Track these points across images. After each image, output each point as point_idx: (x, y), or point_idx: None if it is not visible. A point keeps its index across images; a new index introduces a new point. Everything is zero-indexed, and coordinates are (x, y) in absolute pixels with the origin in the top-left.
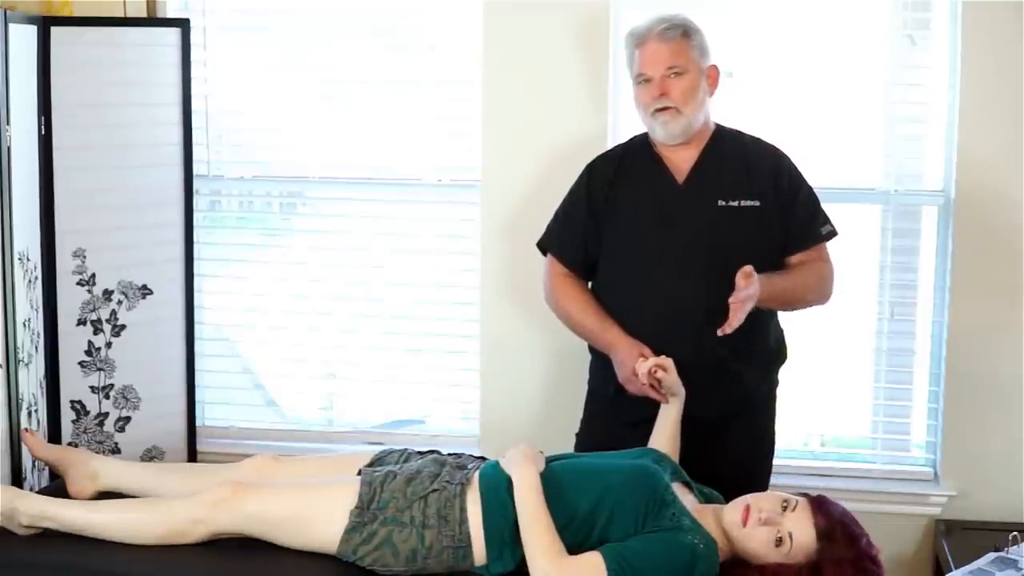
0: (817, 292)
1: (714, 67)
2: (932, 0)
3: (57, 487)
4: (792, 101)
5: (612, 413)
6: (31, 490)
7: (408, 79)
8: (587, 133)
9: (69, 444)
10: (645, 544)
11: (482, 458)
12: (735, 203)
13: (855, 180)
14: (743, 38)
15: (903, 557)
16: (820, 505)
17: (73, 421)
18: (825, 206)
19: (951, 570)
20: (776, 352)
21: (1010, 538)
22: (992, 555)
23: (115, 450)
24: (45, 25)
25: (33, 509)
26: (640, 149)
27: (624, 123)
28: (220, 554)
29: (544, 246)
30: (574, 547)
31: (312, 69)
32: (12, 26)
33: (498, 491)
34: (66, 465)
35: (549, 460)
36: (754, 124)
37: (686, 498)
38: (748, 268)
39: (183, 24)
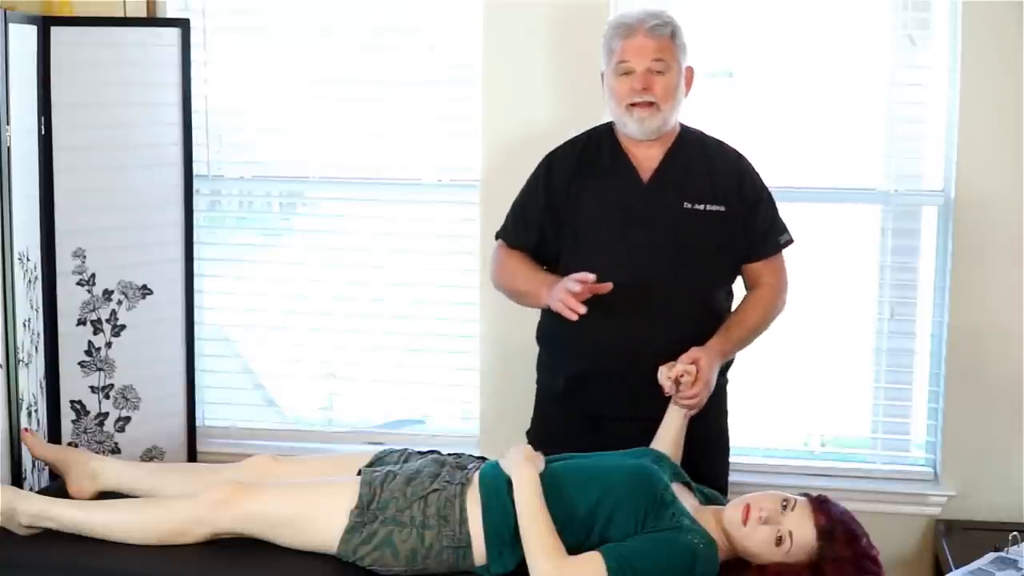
0: (768, 321)
1: (690, 68)
2: (932, 0)
3: (57, 487)
4: (792, 101)
5: (562, 409)
6: (31, 490)
7: (408, 79)
8: None
9: (69, 444)
10: (645, 544)
11: (482, 458)
12: (700, 207)
13: (855, 180)
14: (743, 38)
15: (903, 557)
16: (820, 504)
17: (73, 421)
18: (825, 206)
19: (951, 570)
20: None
21: (1010, 538)
22: (992, 555)
23: (115, 450)
24: (45, 25)
25: (33, 509)
26: (603, 142)
27: None
28: (220, 554)
29: (499, 236)
30: (574, 547)
31: (312, 69)
32: (12, 26)
33: (498, 491)
34: (66, 465)
35: (549, 460)
36: (754, 124)
37: (686, 498)
38: (691, 368)
39: (183, 24)
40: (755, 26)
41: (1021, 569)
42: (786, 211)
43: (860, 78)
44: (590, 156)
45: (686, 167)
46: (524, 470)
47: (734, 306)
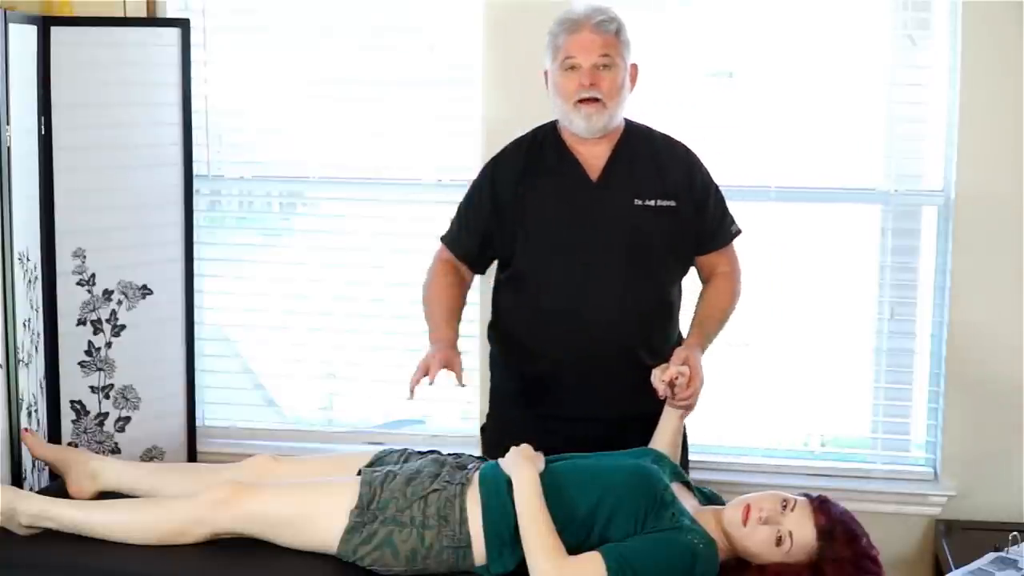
0: (732, 310)
1: (635, 65)
2: (932, 0)
3: (57, 487)
4: (792, 101)
5: (520, 409)
6: (31, 490)
7: (408, 79)
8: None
9: (69, 444)
10: (645, 544)
11: (482, 458)
12: (651, 202)
13: (855, 180)
14: (743, 38)
15: (903, 557)
16: (820, 505)
17: (73, 421)
18: (825, 206)
19: (951, 570)
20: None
21: (1010, 538)
22: (992, 555)
23: (115, 450)
24: (45, 25)
25: (33, 509)
26: (548, 142)
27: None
28: (220, 554)
29: (443, 239)
30: (574, 547)
31: (312, 69)
32: (12, 26)
33: (498, 491)
34: (66, 465)
35: (549, 460)
36: (754, 124)
37: (686, 498)
38: (684, 369)
39: (183, 24)
40: (755, 26)
41: (1021, 569)
42: (786, 211)
43: (860, 78)
44: (536, 157)
45: (634, 163)
46: (524, 470)
47: (685, 299)
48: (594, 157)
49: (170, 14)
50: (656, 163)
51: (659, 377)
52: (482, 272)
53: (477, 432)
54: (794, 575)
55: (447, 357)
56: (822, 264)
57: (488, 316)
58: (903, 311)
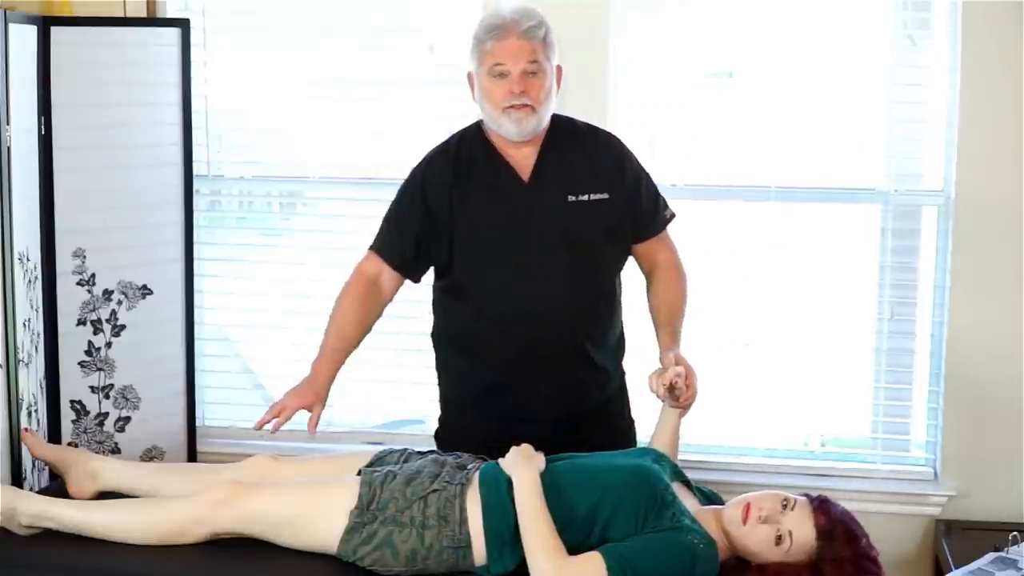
0: (687, 297)
1: (559, 67)
2: (932, 0)
3: (57, 487)
4: (792, 101)
5: (476, 413)
6: (31, 490)
7: (408, 79)
8: None
9: (69, 444)
10: (645, 544)
11: (482, 458)
12: (585, 197)
13: (855, 180)
14: (743, 38)
15: (903, 557)
16: (820, 504)
17: (73, 421)
18: (825, 206)
19: (951, 570)
20: (622, 340)
21: (1010, 538)
22: (992, 555)
23: (115, 450)
24: (45, 25)
25: (33, 509)
26: (475, 146)
27: (622, 122)
28: (220, 554)
29: (372, 246)
30: (574, 547)
31: (312, 69)
32: (12, 26)
33: (498, 491)
34: (66, 465)
35: (549, 460)
36: (754, 124)
37: (686, 498)
38: (680, 370)
39: (183, 24)
40: (755, 26)
41: (1021, 569)
42: (786, 211)
43: (860, 78)
44: (465, 162)
45: (564, 160)
46: (524, 470)
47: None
48: (524, 157)
49: (170, 14)
50: (585, 156)
51: (658, 382)
52: (417, 280)
53: None
54: (794, 575)
55: (307, 404)
56: (822, 264)
57: None
58: (903, 311)
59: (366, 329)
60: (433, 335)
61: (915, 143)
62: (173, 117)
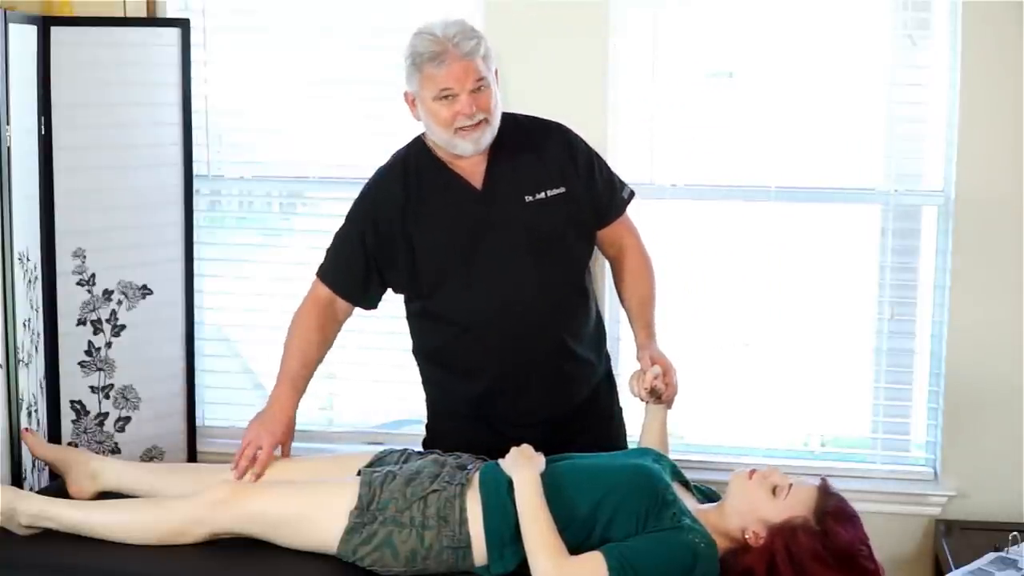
0: (655, 282)
1: (496, 69)
2: (932, 0)
3: (57, 487)
4: (792, 101)
5: (466, 422)
6: (31, 490)
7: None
8: (585, 133)
9: (69, 444)
10: (646, 544)
11: (482, 458)
12: (542, 195)
13: (855, 180)
14: (743, 38)
15: (903, 557)
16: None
17: (73, 421)
18: (825, 206)
19: (951, 570)
20: (600, 328)
21: (1010, 538)
22: (992, 555)
23: (115, 450)
24: (45, 25)
25: (33, 509)
26: (420, 161)
27: (622, 122)
28: (220, 554)
29: (319, 275)
30: (575, 547)
31: (312, 69)
32: (12, 26)
33: (498, 492)
34: (66, 465)
35: (549, 460)
36: (754, 124)
37: (686, 498)
38: (658, 370)
39: (183, 24)
40: (755, 26)
41: (1021, 569)
42: (786, 211)
43: (860, 78)
44: (414, 182)
45: (514, 161)
46: (524, 470)
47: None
48: (473, 165)
49: (170, 14)
50: (535, 153)
51: (639, 387)
52: (372, 307)
53: None
54: (807, 551)
55: (281, 440)
56: (822, 264)
57: None
58: (903, 311)
59: (325, 354)
60: (414, 352)
61: (915, 143)
62: (173, 117)
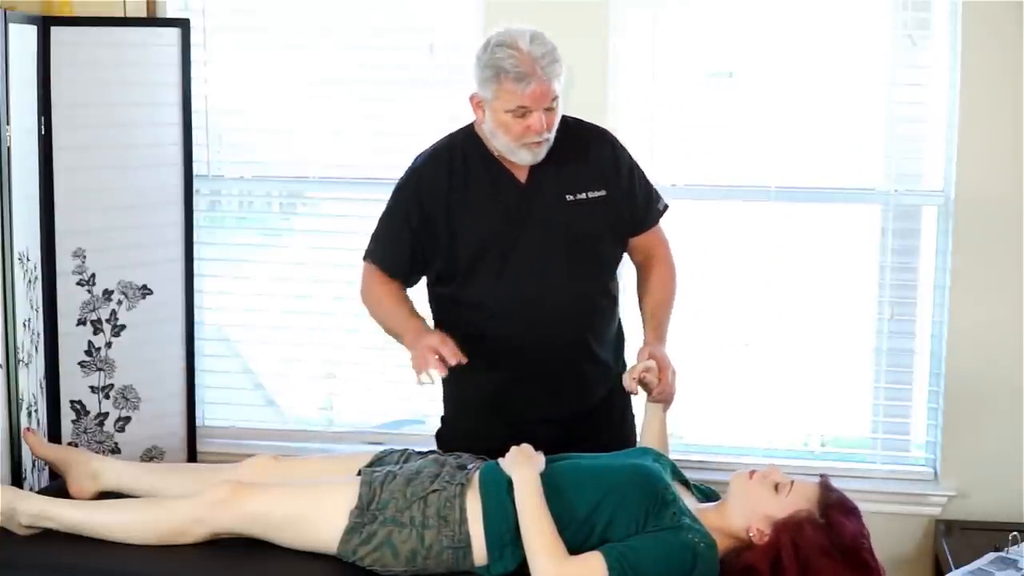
0: (676, 290)
1: None
2: (932, 0)
3: (57, 487)
4: (792, 101)
5: (484, 416)
6: (31, 490)
7: (408, 79)
8: None
9: (69, 444)
10: (646, 543)
11: (482, 458)
12: (583, 196)
13: (855, 180)
14: (743, 38)
15: (903, 557)
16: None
17: (73, 421)
18: (825, 206)
19: (951, 570)
20: (621, 333)
21: (1010, 538)
22: (992, 555)
23: (115, 450)
24: (45, 25)
25: (33, 509)
26: (468, 149)
27: (622, 122)
28: (220, 554)
29: (368, 257)
30: (575, 547)
31: (312, 69)
32: (12, 26)
33: (498, 492)
34: (67, 465)
35: (549, 460)
36: (754, 124)
37: (686, 498)
38: (650, 364)
39: (183, 24)
40: (755, 26)
41: (1021, 569)
42: (786, 211)
43: (860, 78)
44: (460, 169)
45: (559, 160)
46: (524, 470)
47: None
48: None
49: (170, 14)
50: (579, 154)
51: (629, 377)
52: (411, 286)
53: None
54: (813, 545)
55: (439, 338)
56: (822, 264)
57: None
58: (903, 311)
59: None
60: None
61: (915, 143)
62: (173, 117)
